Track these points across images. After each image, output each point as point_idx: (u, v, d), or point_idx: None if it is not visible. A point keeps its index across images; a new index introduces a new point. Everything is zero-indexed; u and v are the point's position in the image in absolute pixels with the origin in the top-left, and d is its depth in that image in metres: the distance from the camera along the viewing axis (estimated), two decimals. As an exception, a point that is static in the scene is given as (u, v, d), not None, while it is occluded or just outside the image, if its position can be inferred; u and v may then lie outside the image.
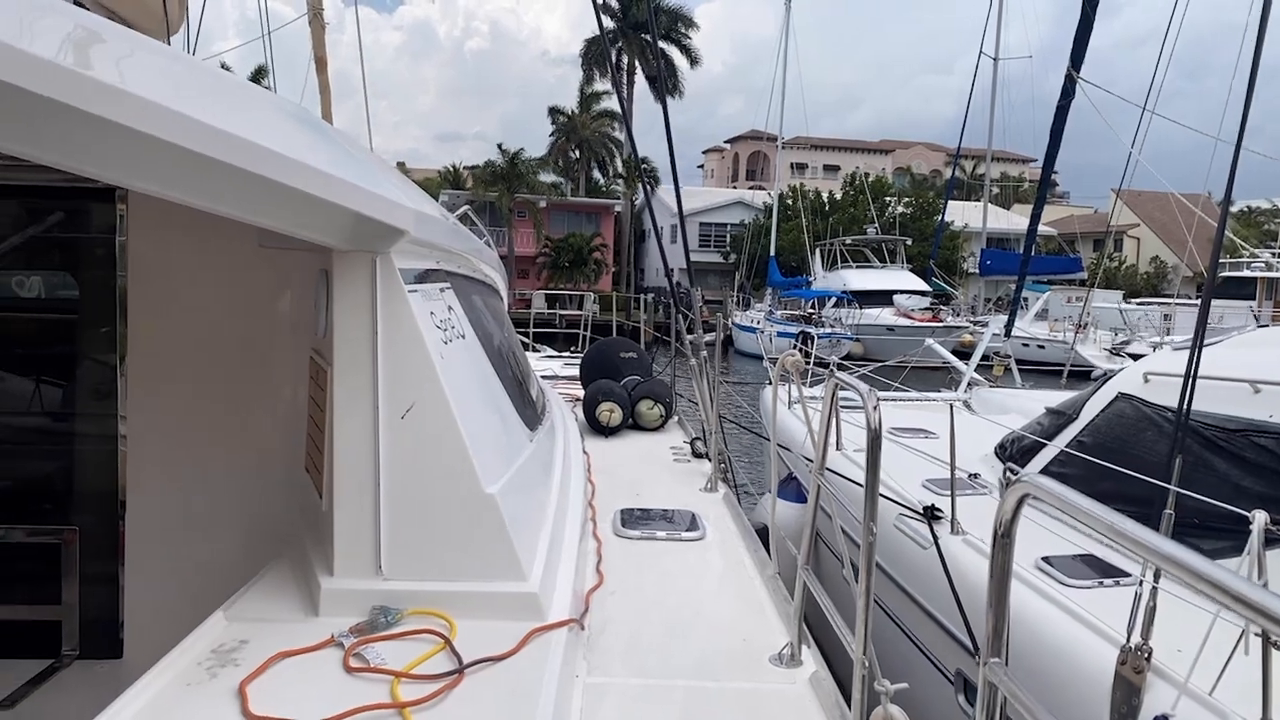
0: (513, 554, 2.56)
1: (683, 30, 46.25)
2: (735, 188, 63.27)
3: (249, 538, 3.41)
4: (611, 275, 43.30)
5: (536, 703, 2.04)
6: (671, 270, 7.03)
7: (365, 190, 2.42)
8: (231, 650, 2.24)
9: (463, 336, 3.20)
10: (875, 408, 1.98)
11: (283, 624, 2.41)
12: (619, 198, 48.19)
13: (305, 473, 3.16)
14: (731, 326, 29.99)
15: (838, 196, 45.63)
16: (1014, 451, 5.66)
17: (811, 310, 30.80)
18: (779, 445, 7.72)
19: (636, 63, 46.58)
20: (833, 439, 7.20)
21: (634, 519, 3.82)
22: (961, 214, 39.43)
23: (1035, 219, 10.58)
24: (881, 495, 3.33)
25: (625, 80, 47.12)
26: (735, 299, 34.88)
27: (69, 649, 3.40)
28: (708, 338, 5.77)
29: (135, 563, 3.45)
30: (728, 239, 47.45)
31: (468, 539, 2.56)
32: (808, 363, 10.44)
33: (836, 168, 69.85)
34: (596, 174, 50.33)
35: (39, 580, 3.41)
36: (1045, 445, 5.20)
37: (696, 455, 5.20)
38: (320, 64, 7.75)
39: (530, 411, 4.04)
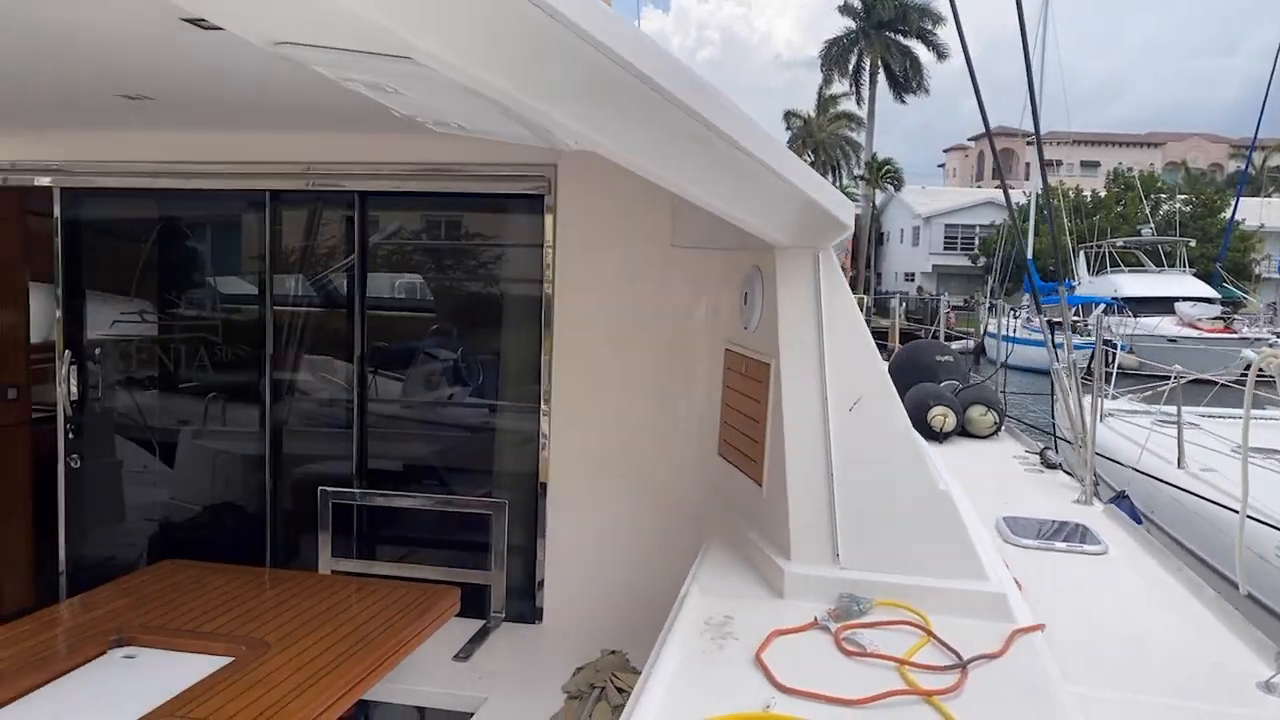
0: (973, 552, 2.57)
1: (929, 26, 44.51)
2: (979, 187, 59.97)
3: (657, 519, 3.65)
4: (849, 279, 42.35)
5: (1056, 706, 2.02)
6: (1027, 266, 6.71)
7: (825, 187, 2.52)
8: (722, 624, 2.40)
9: None
10: None
11: (753, 602, 2.54)
12: (857, 200, 47.14)
13: (720, 459, 3.33)
14: (984, 335, 28.40)
15: (1101, 194, 42.11)
16: None
17: (1075, 318, 28.48)
18: (1099, 456, 7.20)
19: (879, 62, 45.37)
20: (1171, 455, 6.65)
21: (1021, 528, 3.71)
22: (1259, 212, 35.12)
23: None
24: (1261, 520, 3.01)
25: (867, 80, 46.03)
26: (987, 306, 32.98)
27: (496, 611, 3.79)
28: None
29: (553, 539, 3.79)
30: (976, 241, 45.08)
31: (925, 534, 2.59)
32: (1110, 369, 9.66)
33: (1095, 164, 64.42)
34: (829, 177, 49.57)
35: (475, 549, 3.84)
36: None
37: (1049, 465, 4.97)
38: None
39: None
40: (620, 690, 3.00)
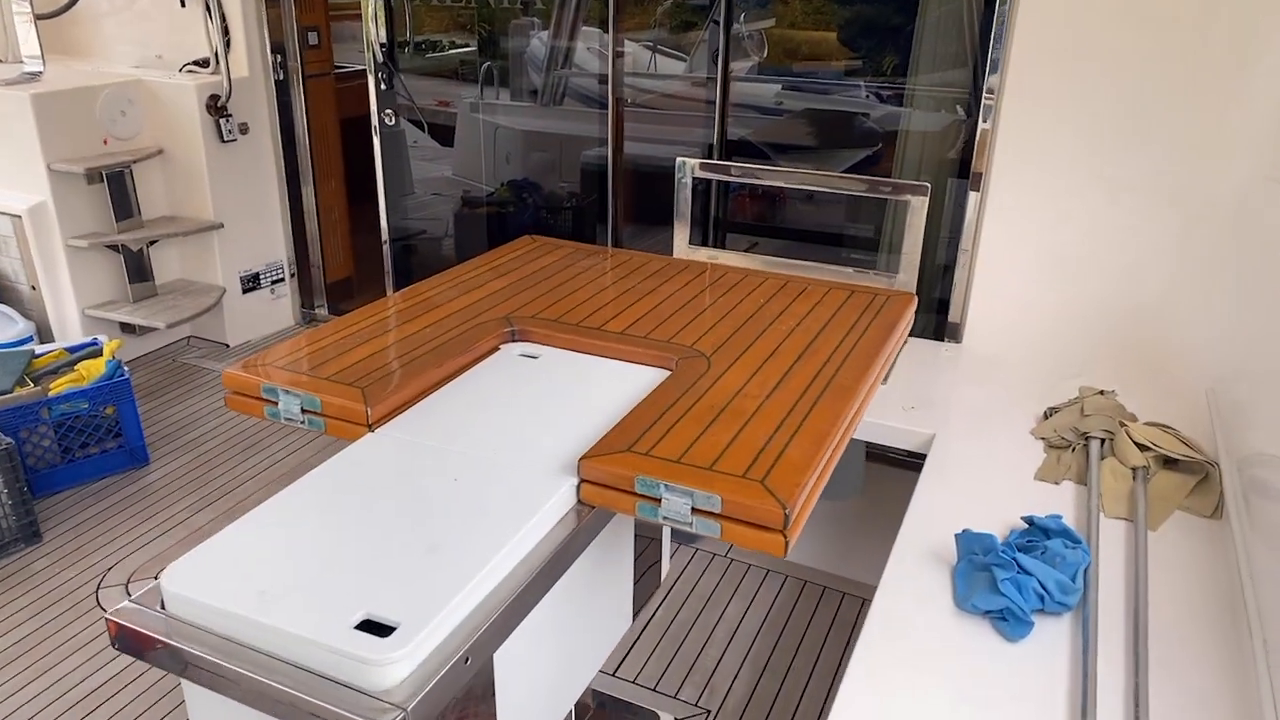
0: None
1: None
2: None
3: (1155, 217, 2.63)
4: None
5: None
6: None
7: None
8: None
9: None
10: None
11: None
12: None
13: None
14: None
15: None
16: None
17: None
18: None
19: None
20: None
21: None
22: None
23: None
24: None
25: None
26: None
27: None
28: None
29: (989, 237, 2.88)
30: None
31: None
32: None
33: None
34: None
35: (865, 245, 3.04)
36: None
37: None
38: None
39: None
40: (1143, 447, 2.18)
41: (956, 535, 1.90)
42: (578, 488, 1.49)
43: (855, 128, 4.23)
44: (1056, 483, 2.19)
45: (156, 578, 1.27)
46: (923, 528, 2.01)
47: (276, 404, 1.72)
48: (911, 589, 1.82)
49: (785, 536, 1.36)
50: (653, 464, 1.46)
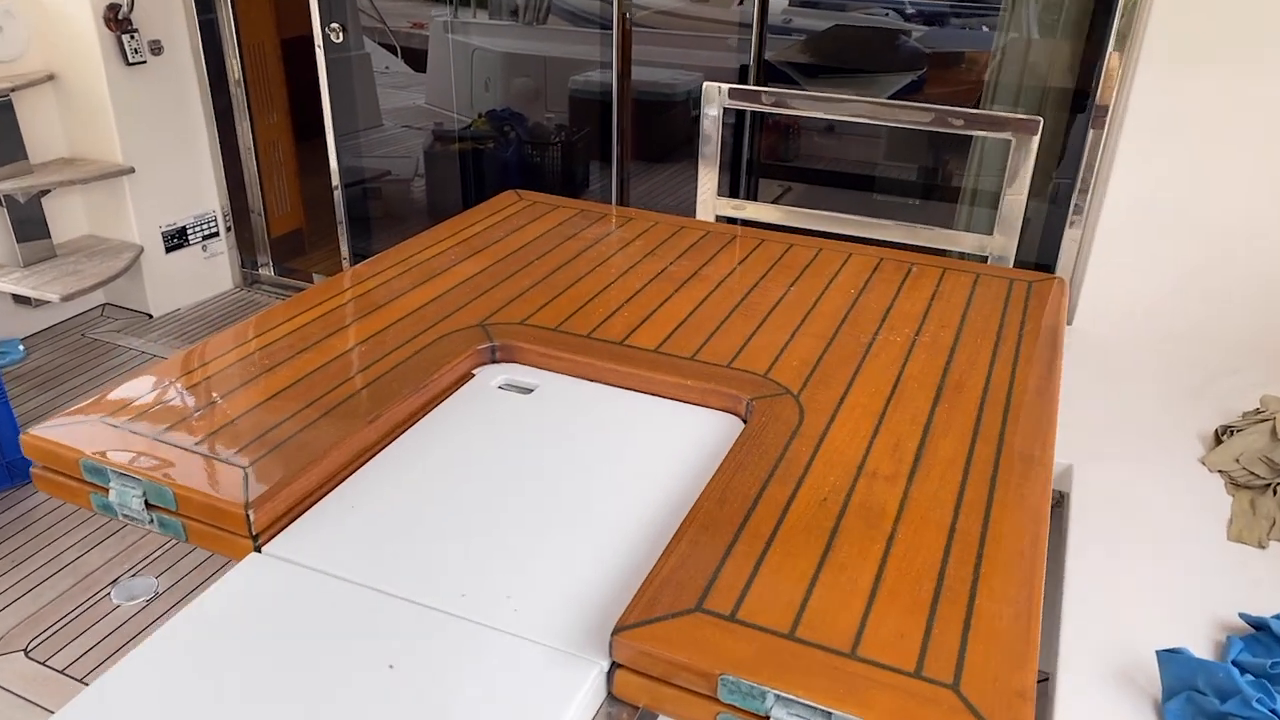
0: None
1: None
2: None
3: None
4: None
5: None
6: None
7: None
8: None
9: None
10: None
11: None
12: None
13: None
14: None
15: None
16: None
17: None
18: None
19: None
20: None
21: None
22: None
23: None
24: None
25: None
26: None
27: None
28: None
29: (1119, 185, 2.21)
30: None
31: None
32: None
33: None
34: None
35: (944, 195, 2.35)
36: None
37: None
38: None
39: None
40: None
41: (1159, 655, 1.28)
42: (609, 675, 0.85)
43: (896, 48, 3.52)
44: (1262, 546, 1.57)
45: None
46: (1090, 626, 1.38)
47: (106, 491, 1.06)
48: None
49: None
50: (744, 643, 0.82)
